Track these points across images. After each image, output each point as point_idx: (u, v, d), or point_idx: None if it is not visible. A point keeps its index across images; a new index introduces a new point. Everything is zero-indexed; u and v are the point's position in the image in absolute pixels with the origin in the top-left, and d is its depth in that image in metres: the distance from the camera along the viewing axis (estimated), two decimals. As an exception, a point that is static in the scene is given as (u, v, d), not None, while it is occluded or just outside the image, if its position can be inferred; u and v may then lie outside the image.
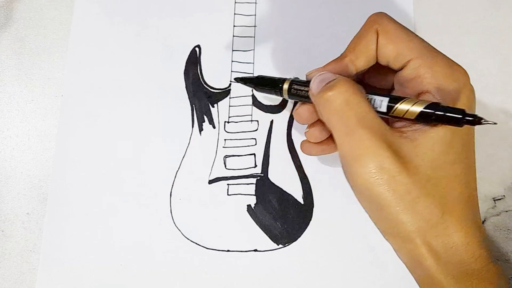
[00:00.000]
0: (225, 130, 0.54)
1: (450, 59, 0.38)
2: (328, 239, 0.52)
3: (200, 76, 0.56)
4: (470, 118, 0.34)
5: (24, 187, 0.54)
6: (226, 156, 0.54)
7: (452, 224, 0.35)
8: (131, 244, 0.52)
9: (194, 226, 0.52)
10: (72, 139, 0.54)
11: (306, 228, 0.52)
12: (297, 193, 0.53)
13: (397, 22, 0.40)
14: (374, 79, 0.45)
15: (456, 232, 0.35)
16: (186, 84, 0.56)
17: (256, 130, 0.54)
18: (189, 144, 0.54)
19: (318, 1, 0.57)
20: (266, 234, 0.52)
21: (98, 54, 0.57)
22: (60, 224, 0.52)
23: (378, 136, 0.35)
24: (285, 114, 0.55)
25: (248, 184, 0.53)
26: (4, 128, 0.55)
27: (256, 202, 0.53)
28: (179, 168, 0.53)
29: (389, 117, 0.38)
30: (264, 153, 0.54)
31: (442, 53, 0.38)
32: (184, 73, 0.56)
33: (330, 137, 0.45)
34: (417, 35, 0.39)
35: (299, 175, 0.53)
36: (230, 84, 0.55)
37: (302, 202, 0.53)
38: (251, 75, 0.55)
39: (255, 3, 0.57)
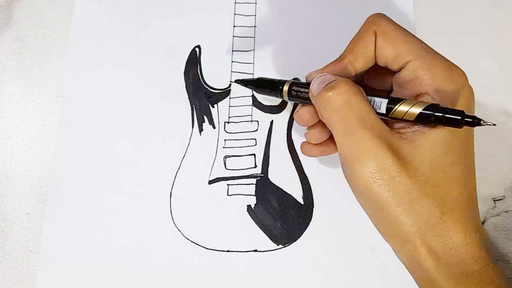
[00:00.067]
0: (225, 130, 0.54)
1: (448, 60, 0.38)
2: (328, 239, 0.52)
3: (200, 76, 0.56)
4: (469, 119, 0.34)
5: (24, 187, 0.54)
6: (226, 157, 0.54)
7: (452, 225, 0.35)
8: (131, 244, 0.52)
9: (194, 226, 0.52)
10: (72, 139, 0.54)
11: (306, 228, 0.52)
12: (297, 193, 0.53)
13: (396, 23, 0.40)
14: (373, 81, 0.45)
15: (455, 233, 0.35)
16: (186, 84, 0.56)
17: (256, 130, 0.54)
18: (189, 144, 0.54)
19: (318, 2, 0.57)
20: (266, 235, 0.52)
21: (98, 54, 0.57)
22: (60, 224, 0.52)
23: (378, 136, 0.35)
24: (285, 114, 0.55)
25: (248, 184, 0.53)
26: (4, 128, 0.55)
27: (256, 202, 0.53)
28: (179, 168, 0.53)
29: (389, 119, 0.38)
30: (264, 153, 0.54)
31: (440, 55, 0.38)
32: (184, 73, 0.56)
33: (330, 139, 0.46)
34: (415, 37, 0.39)
35: (299, 175, 0.53)
36: (230, 85, 0.55)
37: (302, 202, 0.53)
38: (251, 77, 0.55)
39: (255, 3, 0.57)
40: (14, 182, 0.54)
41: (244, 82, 0.51)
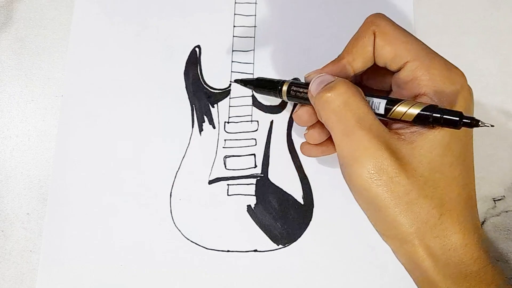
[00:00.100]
0: (225, 130, 0.54)
1: (447, 61, 0.38)
2: (328, 239, 0.52)
3: (200, 76, 0.56)
4: (467, 121, 0.34)
5: (24, 187, 0.54)
6: (226, 157, 0.54)
7: (451, 225, 0.35)
8: (131, 244, 0.52)
9: (194, 226, 0.52)
10: (72, 139, 0.54)
11: (306, 228, 0.52)
12: (297, 193, 0.53)
13: (395, 23, 0.40)
14: (372, 81, 0.45)
15: (454, 233, 0.35)
16: (186, 84, 0.56)
17: (256, 130, 0.54)
18: (189, 144, 0.54)
19: (318, 2, 0.57)
20: (266, 234, 0.52)
21: (98, 54, 0.57)
22: (60, 224, 0.52)
23: (377, 137, 0.35)
24: (285, 114, 0.55)
25: (248, 184, 0.53)
26: (4, 128, 0.55)
27: (256, 202, 0.53)
28: (179, 168, 0.53)
29: (387, 119, 0.38)
30: (264, 153, 0.54)
31: (439, 55, 0.38)
32: (184, 73, 0.56)
33: (329, 139, 0.46)
34: (415, 37, 0.39)
35: (299, 175, 0.53)
36: (230, 85, 0.55)
37: (302, 202, 0.53)
38: (251, 77, 0.55)
39: (255, 3, 0.57)
40: (14, 182, 0.54)
41: (244, 82, 0.51)
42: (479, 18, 0.57)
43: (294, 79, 0.48)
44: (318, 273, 0.51)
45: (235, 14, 0.57)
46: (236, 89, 0.55)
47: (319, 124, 0.45)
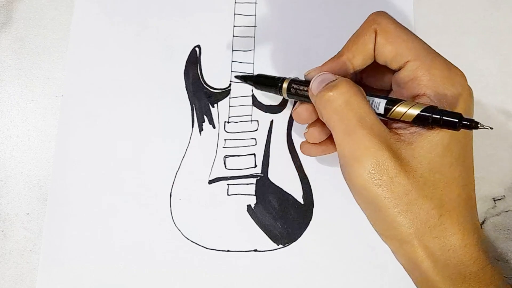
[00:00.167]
0: (225, 130, 0.54)
1: (448, 61, 0.38)
2: (328, 239, 0.52)
3: (200, 76, 0.56)
4: (467, 122, 0.34)
5: (24, 187, 0.54)
6: (226, 156, 0.54)
7: (450, 226, 0.35)
8: (131, 244, 0.52)
9: (194, 226, 0.52)
10: (72, 139, 0.54)
11: (306, 228, 0.52)
12: (297, 193, 0.53)
13: (397, 22, 0.40)
14: (372, 79, 0.45)
15: (453, 234, 0.35)
16: (186, 84, 0.56)
17: (256, 130, 0.54)
18: (189, 144, 0.54)
19: (318, 1, 0.57)
20: (266, 234, 0.52)
21: (98, 54, 0.57)
22: (60, 224, 0.52)
23: (377, 137, 0.35)
24: (285, 114, 0.55)
25: (248, 184, 0.53)
26: (4, 128, 0.55)
27: (256, 202, 0.53)
28: (179, 168, 0.53)
29: (387, 119, 0.38)
30: (264, 153, 0.54)
31: (440, 55, 0.38)
32: (184, 73, 0.56)
33: (329, 138, 0.45)
34: (416, 36, 0.39)
35: (299, 175, 0.53)
36: (230, 84, 0.55)
37: (302, 202, 0.53)
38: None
39: (255, 3, 0.57)
40: (14, 182, 0.54)
41: (244, 78, 0.51)
42: (479, 18, 0.57)
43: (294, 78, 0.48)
44: (318, 273, 0.51)
45: (235, 14, 0.57)
46: (236, 88, 0.55)
47: (319, 122, 0.44)
